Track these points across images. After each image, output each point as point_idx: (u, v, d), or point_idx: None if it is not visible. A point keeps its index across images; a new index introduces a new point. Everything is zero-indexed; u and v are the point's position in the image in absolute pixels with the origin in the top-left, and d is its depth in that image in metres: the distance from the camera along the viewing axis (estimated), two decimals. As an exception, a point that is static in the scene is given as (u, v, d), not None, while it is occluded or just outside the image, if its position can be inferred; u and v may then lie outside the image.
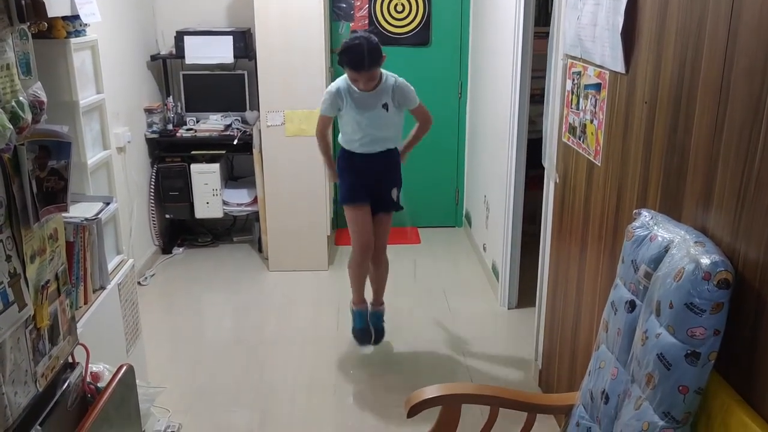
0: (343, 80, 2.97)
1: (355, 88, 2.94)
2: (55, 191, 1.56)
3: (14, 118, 1.39)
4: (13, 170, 1.41)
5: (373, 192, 3.10)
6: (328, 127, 3.13)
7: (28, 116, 1.44)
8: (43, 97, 1.53)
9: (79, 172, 2.65)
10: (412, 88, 3.02)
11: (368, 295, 3.34)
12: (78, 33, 2.64)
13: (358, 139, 3.02)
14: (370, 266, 3.23)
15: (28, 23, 1.52)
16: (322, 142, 3.16)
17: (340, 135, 3.12)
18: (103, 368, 1.92)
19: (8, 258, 1.38)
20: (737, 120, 1.37)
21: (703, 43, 1.51)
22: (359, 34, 2.89)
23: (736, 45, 1.38)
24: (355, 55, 2.79)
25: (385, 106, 2.97)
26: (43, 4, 1.50)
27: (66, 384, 1.66)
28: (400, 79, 2.99)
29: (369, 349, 3.20)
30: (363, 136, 3.01)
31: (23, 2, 1.44)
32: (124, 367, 1.82)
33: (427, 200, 5.02)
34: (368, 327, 3.23)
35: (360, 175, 3.08)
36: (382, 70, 2.95)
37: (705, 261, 1.33)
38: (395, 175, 3.14)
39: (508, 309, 3.77)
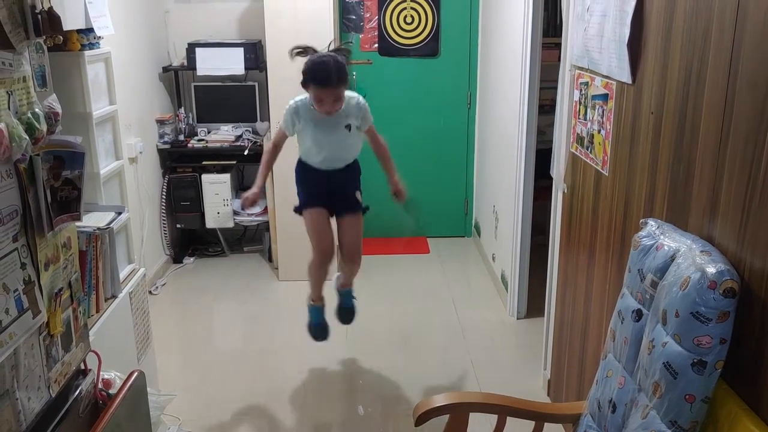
0: (303, 98, 2.77)
1: (317, 113, 2.73)
2: (68, 200, 1.59)
3: (30, 129, 1.42)
4: (28, 180, 1.44)
5: (336, 197, 2.94)
6: (282, 141, 2.91)
7: (44, 127, 1.48)
8: (58, 109, 1.57)
9: (91, 181, 2.69)
10: (367, 107, 2.87)
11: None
12: (92, 46, 2.69)
13: (319, 158, 2.85)
14: (344, 263, 3.09)
15: (44, 37, 1.56)
16: (270, 154, 2.94)
17: (300, 147, 2.92)
18: (114, 376, 1.95)
19: (23, 265, 1.41)
20: (742, 130, 1.38)
21: (708, 55, 1.53)
22: (325, 53, 2.68)
23: (741, 57, 1.39)
24: (322, 71, 2.60)
25: (348, 127, 2.80)
26: (59, 18, 1.54)
27: (78, 390, 1.69)
28: (362, 98, 2.84)
29: (324, 342, 3.06)
30: (325, 156, 2.85)
31: (39, 16, 1.48)
32: (135, 373, 1.84)
33: (437, 210, 5.04)
34: (325, 323, 3.08)
35: (320, 185, 2.92)
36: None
37: (711, 270, 1.34)
38: (357, 182, 2.99)
39: (517, 319, 3.77)
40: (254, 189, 2.87)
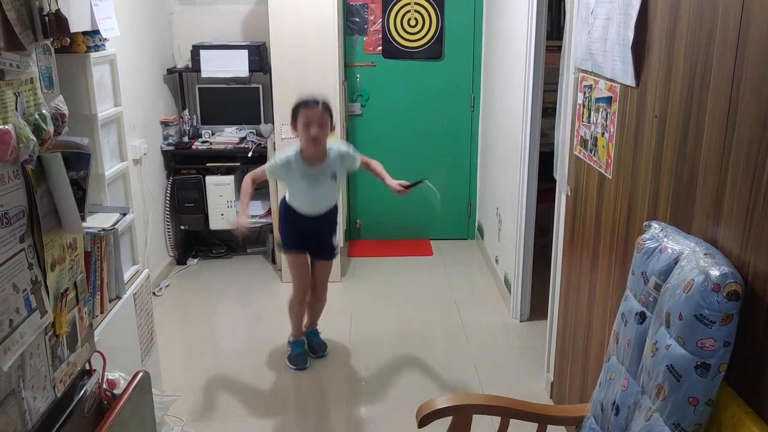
0: (293, 152, 3.02)
1: (307, 167, 3.00)
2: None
3: (37, 130, 1.43)
4: (35, 180, 1.45)
5: (315, 242, 3.25)
6: (260, 180, 3.15)
7: (51, 128, 1.48)
8: (65, 110, 1.58)
9: (96, 183, 2.69)
10: (351, 149, 3.15)
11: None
12: (97, 47, 2.69)
13: (304, 207, 3.13)
14: (312, 300, 3.40)
15: (51, 39, 1.57)
16: (248, 187, 3.12)
17: (287, 192, 3.19)
18: (118, 376, 1.95)
19: (30, 266, 1.42)
20: (746, 133, 1.38)
21: (712, 58, 1.53)
22: None
23: (745, 60, 1.39)
24: (309, 99, 2.94)
25: (334, 177, 3.07)
26: (66, 20, 1.55)
27: (83, 390, 1.69)
28: (343, 146, 3.13)
29: (305, 367, 3.33)
30: (312, 203, 3.13)
31: (47, 18, 1.49)
32: (140, 374, 1.85)
33: (440, 212, 5.04)
34: (305, 352, 3.39)
35: (302, 228, 3.20)
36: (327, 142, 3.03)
37: (714, 273, 1.34)
38: (335, 226, 3.32)
39: (520, 321, 3.77)
40: (241, 219, 3.06)
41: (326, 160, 3.03)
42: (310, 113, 2.91)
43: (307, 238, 3.23)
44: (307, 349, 3.43)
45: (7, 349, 1.30)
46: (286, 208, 3.20)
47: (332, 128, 3.02)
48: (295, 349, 3.38)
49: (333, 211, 3.25)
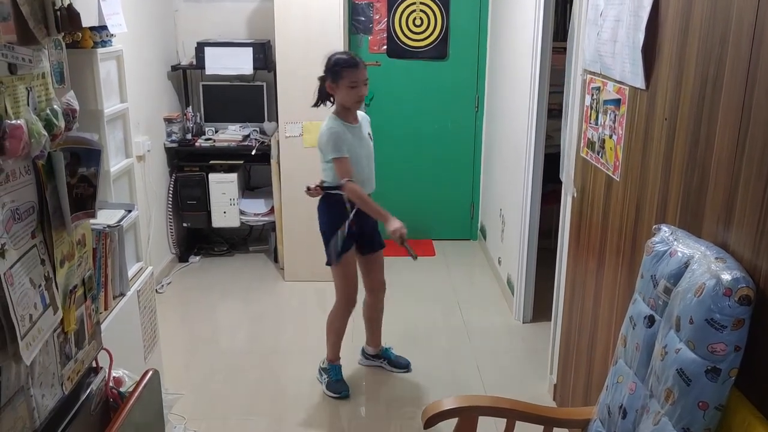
0: (332, 121, 2.84)
1: (351, 127, 2.84)
2: (84, 198, 1.59)
3: (48, 125, 1.42)
4: (46, 176, 1.44)
5: (365, 234, 2.97)
6: (351, 173, 2.79)
7: (62, 124, 1.48)
8: (76, 106, 1.57)
9: (102, 179, 2.68)
10: None
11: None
12: (104, 43, 2.69)
13: (366, 176, 2.89)
14: (373, 300, 3.19)
15: (63, 33, 1.57)
16: (362, 193, 2.80)
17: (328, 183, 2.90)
18: (122, 374, 1.94)
19: (42, 261, 1.41)
20: (759, 137, 1.38)
21: (725, 60, 1.53)
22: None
23: (759, 62, 1.39)
24: (350, 56, 2.83)
25: (370, 135, 2.97)
26: (78, 14, 1.54)
27: (89, 388, 1.69)
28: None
29: (348, 394, 3.06)
30: (365, 175, 2.88)
31: (59, 13, 1.48)
32: (150, 372, 1.85)
33: (443, 213, 5.04)
34: (343, 379, 3.10)
35: (350, 225, 2.87)
36: None
37: (726, 277, 1.34)
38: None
39: (523, 323, 3.76)
40: (394, 223, 2.79)
41: (358, 118, 2.93)
42: (357, 74, 2.77)
43: (356, 231, 2.89)
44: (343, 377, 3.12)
45: (29, 344, 1.31)
46: (328, 204, 2.91)
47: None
48: (334, 376, 3.09)
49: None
